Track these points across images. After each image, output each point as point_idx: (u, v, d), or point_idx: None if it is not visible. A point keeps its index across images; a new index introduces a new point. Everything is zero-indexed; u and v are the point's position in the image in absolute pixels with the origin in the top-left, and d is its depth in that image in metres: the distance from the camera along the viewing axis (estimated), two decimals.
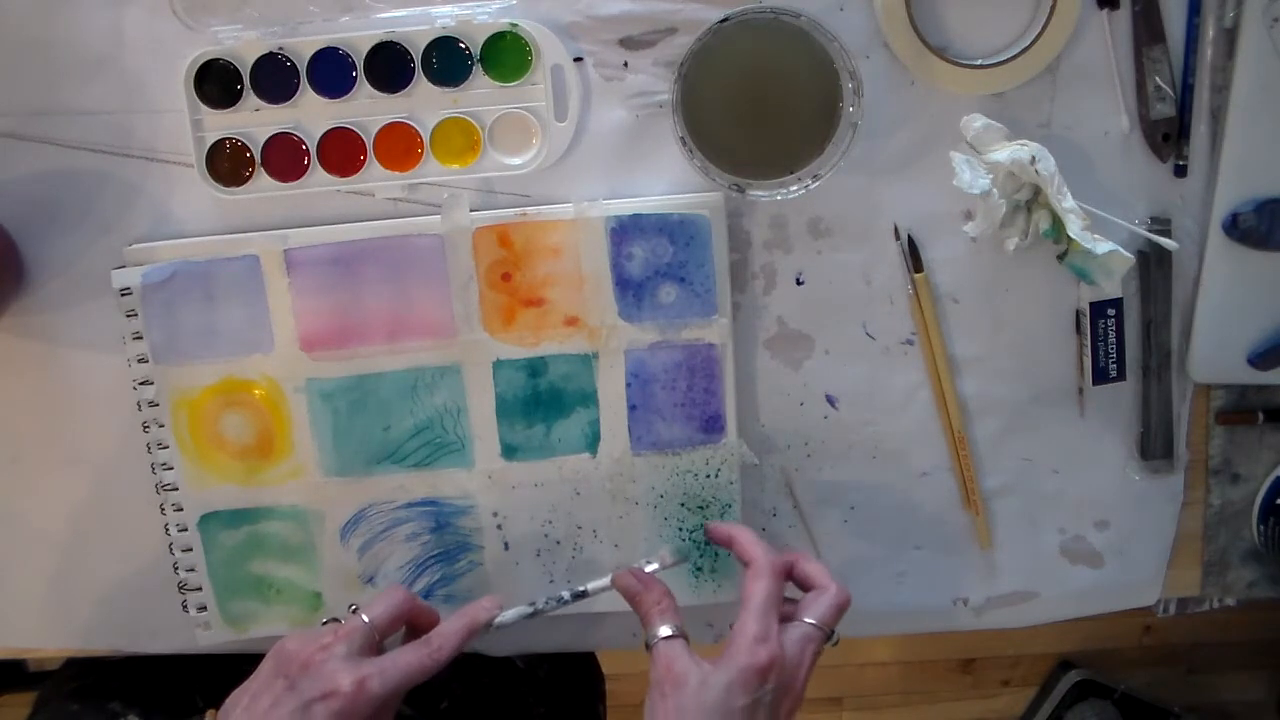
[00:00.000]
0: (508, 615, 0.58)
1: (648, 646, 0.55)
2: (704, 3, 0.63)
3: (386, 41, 0.63)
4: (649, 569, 0.59)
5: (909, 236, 0.67)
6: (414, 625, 0.59)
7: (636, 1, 0.63)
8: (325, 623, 0.57)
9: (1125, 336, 0.67)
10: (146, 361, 0.66)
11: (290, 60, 0.63)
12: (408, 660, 0.54)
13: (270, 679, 0.53)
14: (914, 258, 0.67)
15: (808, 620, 0.55)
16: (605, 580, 0.59)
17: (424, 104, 0.64)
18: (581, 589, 0.60)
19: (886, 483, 0.71)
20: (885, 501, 0.71)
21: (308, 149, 0.64)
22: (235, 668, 0.68)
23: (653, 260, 0.65)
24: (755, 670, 0.52)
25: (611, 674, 0.93)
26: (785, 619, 0.55)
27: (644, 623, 0.56)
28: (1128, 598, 0.73)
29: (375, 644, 0.55)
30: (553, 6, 0.63)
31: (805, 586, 0.58)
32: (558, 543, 0.69)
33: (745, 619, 0.54)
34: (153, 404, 0.66)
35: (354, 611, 0.56)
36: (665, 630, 0.55)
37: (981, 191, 0.61)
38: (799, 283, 0.67)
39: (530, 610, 0.59)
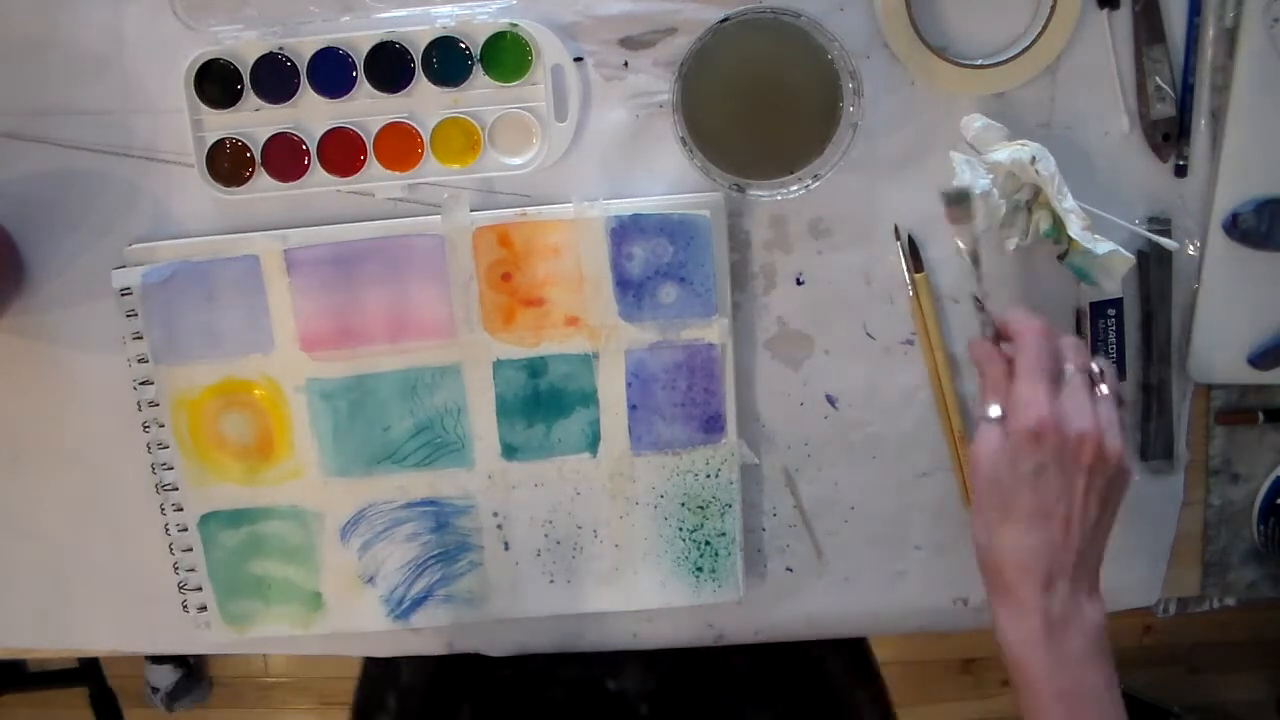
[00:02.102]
0: None
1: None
2: (704, 3, 0.63)
3: (386, 41, 0.63)
4: None
5: (909, 236, 0.67)
6: None
7: (636, 1, 0.63)
8: None
9: (1125, 336, 0.67)
10: (146, 361, 0.66)
11: (290, 60, 0.63)
12: None
13: None
14: (914, 258, 0.67)
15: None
16: None
17: (424, 104, 0.64)
18: None
19: (886, 483, 0.70)
20: (885, 501, 0.71)
21: (308, 149, 0.64)
22: None
23: (653, 260, 0.65)
24: (1027, 435, 0.54)
25: None
26: None
27: (981, 396, 0.58)
28: (1128, 598, 0.73)
29: None
30: (553, 6, 0.63)
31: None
32: (558, 543, 0.69)
33: (1017, 386, 0.55)
34: (153, 404, 0.66)
35: None
36: (994, 411, 0.57)
37: (981, 191, 0.61)
38: (799, 283, 0.67)
39: None
